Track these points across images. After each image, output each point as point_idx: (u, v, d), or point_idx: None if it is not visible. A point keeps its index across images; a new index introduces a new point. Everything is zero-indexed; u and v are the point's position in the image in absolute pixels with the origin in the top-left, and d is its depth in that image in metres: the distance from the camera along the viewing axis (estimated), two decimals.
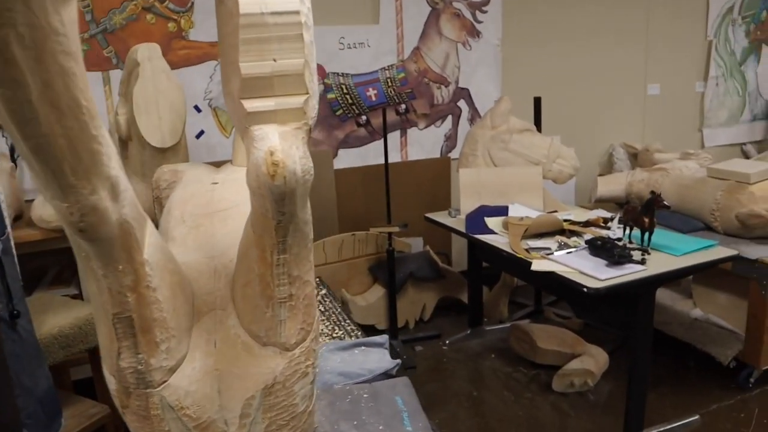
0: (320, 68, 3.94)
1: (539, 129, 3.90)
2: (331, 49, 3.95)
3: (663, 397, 3.15)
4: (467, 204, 3.48)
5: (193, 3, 3.63)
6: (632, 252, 2.58)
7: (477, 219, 3.27)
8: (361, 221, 4.15)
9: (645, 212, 2.65)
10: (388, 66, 4.10)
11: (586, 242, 2.74)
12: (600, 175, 4.72)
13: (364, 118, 4.12)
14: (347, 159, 4.13)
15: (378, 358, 2.27)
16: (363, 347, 2.34)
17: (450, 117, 4.32)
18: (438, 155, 4.33)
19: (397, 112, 4.09)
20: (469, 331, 3.86)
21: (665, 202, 2.60)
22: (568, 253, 2.73)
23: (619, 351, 3.51)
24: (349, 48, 3.99)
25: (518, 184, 3.45)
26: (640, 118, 4.98)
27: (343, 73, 4.01)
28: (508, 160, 3.47)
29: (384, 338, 2.40)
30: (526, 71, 4.49)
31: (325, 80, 3.97)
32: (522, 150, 3.44)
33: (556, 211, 3.44)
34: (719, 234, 3.30)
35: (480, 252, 3.64)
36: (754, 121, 5.54)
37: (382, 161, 4.10)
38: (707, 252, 2.71)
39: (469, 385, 3.36)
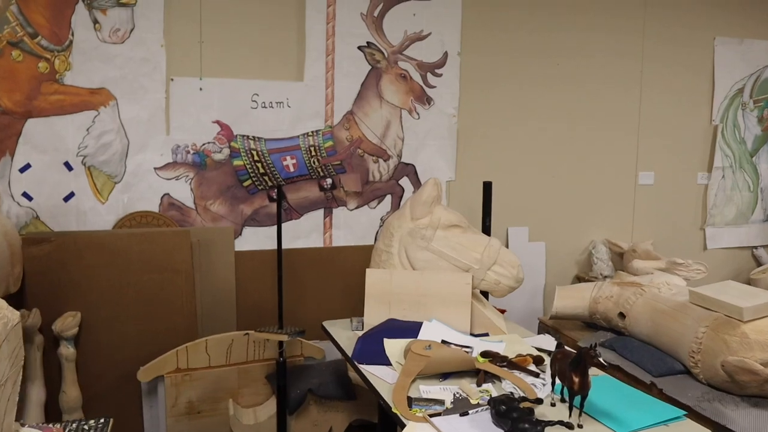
0: (226, 128, 3.25)
1: (488, 220, 3.14)
2: (241, 107, 3.26)
3: None
4: (373, 315, 2.71)
5: (71, 41, 2.99)
6: (550, 426, 1.77)
7: (373, 340, 2.48)
8: (267, 317, 3.38)
9: (575, 368, 1.85)
10: (313, 132, 3.40)
11: (489, 402, 1.92)
12: (579, 277, 3.92)
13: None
14: (254, 239, 3.39)
15: None
16: None
17: (389, 197, 3.58)
18: (371, 242, 3.56)
19: (321, 188, 3.37)
20: None
21: (602, 359, 1.79)
22: (462, 414, 1.92)
23: None
24: (264, 107, 3.31)
25: (440, 295, 2.67)
26: (629, 211, 4.19)
27: (254, 137, 3.31)
28: (430, 263, 2.69)
29: None
30: (489, 149, 3.75)
31: (232, 143, 3.28)
32: (447, 251, 2.67)
33: (486, 335, 2.65)
34: (701, 384, 2.47)
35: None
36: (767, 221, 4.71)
37: (300, 245, 3.37)
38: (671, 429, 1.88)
39: None
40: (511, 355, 2.37)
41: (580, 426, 1.85)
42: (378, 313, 2.70)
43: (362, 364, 2.37)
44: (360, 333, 2.61)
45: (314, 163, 3.40)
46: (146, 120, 3.13)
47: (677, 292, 2.81)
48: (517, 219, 3.84)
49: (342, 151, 3.44)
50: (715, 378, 2.41)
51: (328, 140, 3.42)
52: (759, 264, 4.63)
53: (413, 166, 3.58)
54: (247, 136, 3.30)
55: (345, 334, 2.68)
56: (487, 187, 3.16)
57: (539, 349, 2.48)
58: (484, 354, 2.37)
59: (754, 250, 4.67)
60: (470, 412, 1.93)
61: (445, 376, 2.24)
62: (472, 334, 2.66)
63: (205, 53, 3.20)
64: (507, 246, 3.81)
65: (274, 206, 3.41)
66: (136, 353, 3.03)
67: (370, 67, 3.44)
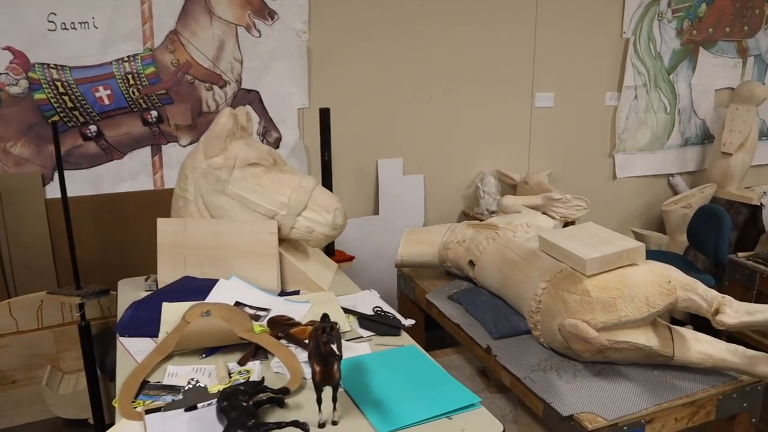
0: (20, 56, 2.71)
1: (327, 153, 2.68)
2: (36, 29, 2.71)
3: None
4: (167, 272, 2.26)
5: None
6: (279, 429, 1.37)
7: (151, 304, 2.05)
8: (94, 271, 2.93)
9: (316, 354, 1.42)
10: (129, 56, 2.86)
11: (220, 394, 1.50)
12: (465, 213, 3.48)
13: (93, 128, 2.89)
14: (69, 185, 2.88)
15: None
16: None
17: None
18: None
19: (145, 122, 2.87)
20: None
21: (334, 346, 1.36)
22: (188, 409, 1.50)
23: None
24: (65, 29, 2.76)
25: (242, 248, 2.23)
26: (525, 138, 3.72)
27: (57, 65, 2.77)
28: (228, 210, 2.23)
29: None
30: (351, 70, 3.23)
31: (30, 73, 2.74)
32: (247, 194, 2.20)
33: (297, 293, 2.24)
34: (543, 348, 2.08)
35: None
36: (686, 146, 4.26)
37: (126, 188, 2.90)
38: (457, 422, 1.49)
39: None
40: (311, 319, 1.96)
41: (334, 423, 1.45)
42: (173, 270, 2.26)
43: (126, 336, 1.94)
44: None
45: (134, 93, 2.88)
46: None
47: (533, 236, 2.39)
48: (389, 150, 3.36)
49: (167, 77, 2.92)
50: (554, 343, 2.02)
51: (149, 66, 2.88)
52: (676, 193, 4.22)
53: (257, 92, 3.07)
54: (48, 65, 2.76)
55: (134, 295, 2.24)
56: (324, 114, 2.68)
57: (348, 311, 2.07)
58: (272, 321, 1.95)
59: (671, 178, 4.25)
60: (200, 405, 1.51)
61: (211, 351, 1.82)
62: (284, 292, 2.24)
63: None
64: (377, 180, 3.35)
65: (90, 145, 2.91)
66: None
67: None
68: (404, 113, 3.35)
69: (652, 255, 3.65)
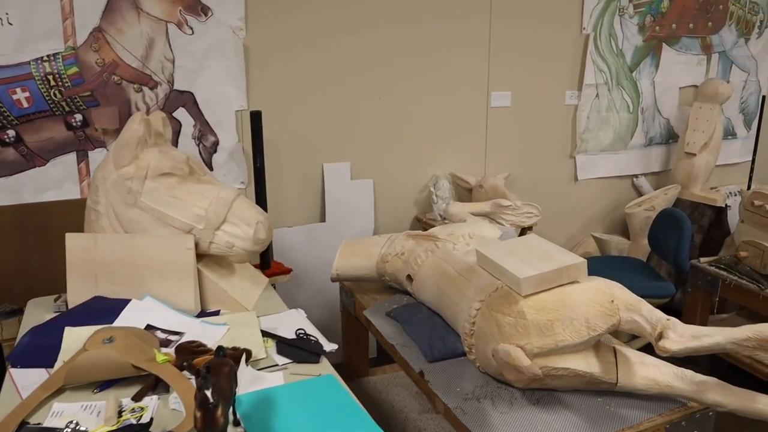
0: None
1: (259, 160, 2.51)
2: None
3: None
4: (77, 292, 2.09)
5: None
6: None
7: (51, 330, 1.87)
8: (16, 286, 2.73)
9: (197, 399, 1.25)
10: (49, 55, 2.66)
11: None
12: (418, 219, 3.32)
13: (11, 133, 2.69)
14: None
15: None
16: None
17: None
18: None
19: (69, 126, 2.68)
20: None
21: (209, 393, 1.20)
22: None
23: None
24: None
25: (158, 265, 2.06)
26: (481, 139, 3.56)
27: None
28: (142, 223, 2.05)
29: None
30: (294, 70, 3.06)
31: None
32: (160, 207, 2.03)
33: (216, 313, 2.07)
34: (481, 373, 1.94)
35: None
36: (650, 145, 4.13)
37: (51, 197, 2.71)
38: None
39: None
40: (228, 344, 1.79)
41: None
42: (84, 290, 2.08)
43: (19, 366, 1.76)
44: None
45: (56, 95, 2.68)
46: None
47: (474, 249, 2.23)
48: (336, 153, 3.19)
49: (92, 78, 2.72)
50: (489, 368, 1.87)
51: (72, 66, 2.69)
52: (641, 195, 4.09)
53: (191, 93, 2.88)
54: None
55: (40, 318, 2.05)
56: (255, 118, 2.50)
57: (267, 334, 1.91)
58: (180, 348, 1.78)
59: (635, 179, 4.13)
60: None
61: (107, 384, 1.65)
62: (204, 313, 2.08)
63: None
64: (323, 185, 3.18)
65: (9, 152, 2.71)
66: None
67: None
68: (351, 114, 3.18)
69: (613, 261, 3.54)
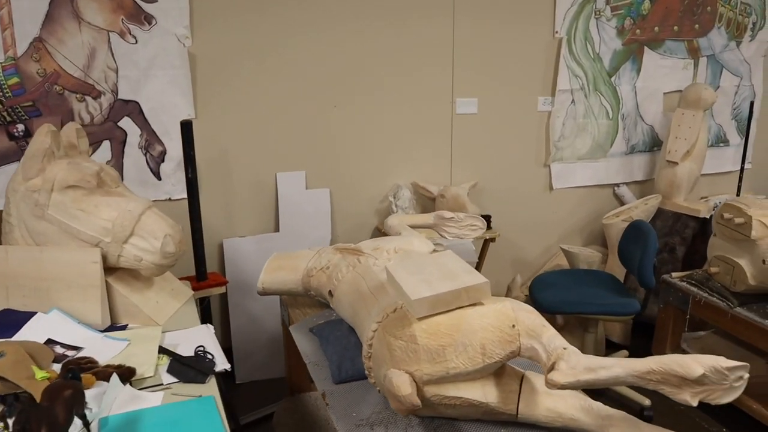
0: None
1: (191, 170, 2.46)
2: None
3: None
4: None
5: None
6: None
7: None
8: None
9: (6, 415, 1.20)
10: None
11: None
12: (379, 229, 3.24)
13: None
14: None
15: None
16: None
17: (108, 144, 2.87)
18: None
19: (12, 136, 2.68)
20: None
21: (12, 427, 1.14)
22: None
23: None
24: None
25: (65, 278, 2.03)
26: (446, 147, 3.46)
27: None
28: (50, 236, 2.03)
29: None
30: (244, 78, 3.00)
31: None
32: (67, 220, 1.99)
33: (124, 327, 2.03)
34: (381, 397, 1.85)
35: None
36: (632, 153, 3.97)
37: None
38: None
39: None
40: (123, 360, 1.77)
41: None
42: None
43: None
44: None
45: None
46: None
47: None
48: (291, 162, 3.13)
49: (33, 88, 2.71)
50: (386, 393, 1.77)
51: (13, 76, 2.68)
52: (622, 203, 3.94)
53: (136, 103, 2.85)
54: None
55: None
56: (186, 127, 2.45)
57: (165, 351, 1.86)
58: (69, 364, 1.74)
59: (616, 188, 3.97)
60: None
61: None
62: (114, 327, 2.04)
63: None
64: (276, 194, 3.13)
65: None
66: None
67: None
68: (306, 123, 3.12)
69: (580, 275, 3.39)
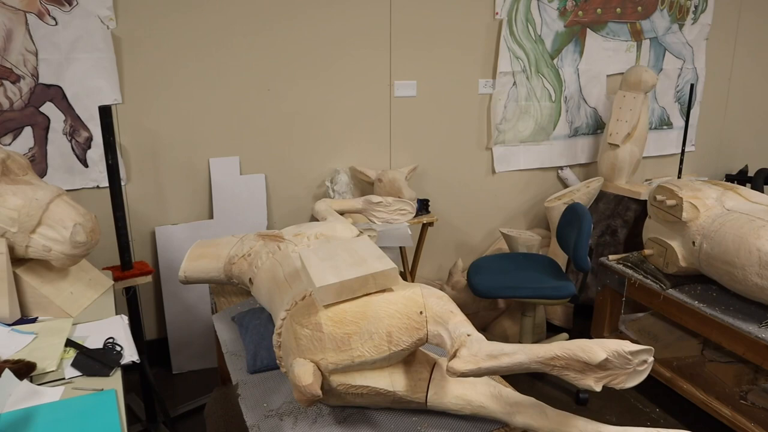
0: None
1: (111, 157, 2.39)
2: None
3: None
4: None
5: None
6: None
7: None
8: None
9: None
10: None
11: None
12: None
13: None
14: None
15: None
16: None
17: (29, 130, 2.78)
18: None
19: None
20: None
21: None
22: None
23: None
24: None
25: None
26: (385, 130, 3.43)
27: None
28: None
29: None
30: (173, 61, 2.92)
31: None
32: None
33: (34, 320, 1.97)
34: None
35: None
36: (576, 136, 3.98)
37: None
38: None
39: None
40: (27, 354, 1.72)
41: None
42: None
43: None
44: None
45: None
46: None
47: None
48: (224, 147, 3.07)
49: None
50: None
51: None
52: (566, 186, 3.95)
53: (59, 87, 2.76)
54: None
55: None
56: (104, 112, 2.37)
57: (73, 344, 1.81)
58: None
59: (560, 171, 3.97)
60: None
61: None
62: (24, 319, 1.98)
63: None
64: (210, 181, 3.07)
65: None
66: None
67: None
68: (239, 107, 3.05)
69: (519, 258, 3.39)
